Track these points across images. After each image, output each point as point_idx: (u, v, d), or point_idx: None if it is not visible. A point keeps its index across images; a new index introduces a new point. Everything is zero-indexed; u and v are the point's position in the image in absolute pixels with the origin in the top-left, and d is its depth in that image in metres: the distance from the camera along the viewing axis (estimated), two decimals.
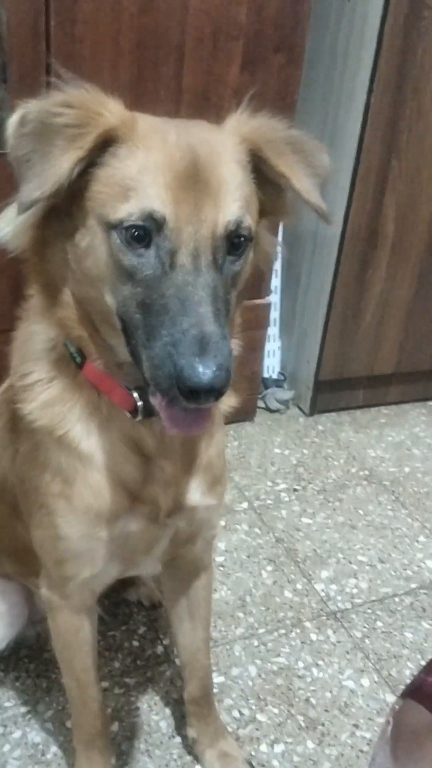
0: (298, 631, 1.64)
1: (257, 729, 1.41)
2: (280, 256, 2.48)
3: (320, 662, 1.56)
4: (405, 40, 2.01)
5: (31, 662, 1.50)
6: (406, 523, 2.05)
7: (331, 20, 2.17)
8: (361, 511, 2.08)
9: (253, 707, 1.45)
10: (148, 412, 0.89)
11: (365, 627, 1.67)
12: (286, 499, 2.11)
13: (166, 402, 0.77)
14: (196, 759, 1.33)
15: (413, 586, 1.81)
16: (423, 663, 1.55)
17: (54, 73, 0.82)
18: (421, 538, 1.98)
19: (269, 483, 2.18)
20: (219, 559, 1.83)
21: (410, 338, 2.54)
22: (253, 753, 1.36)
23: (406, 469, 2.31)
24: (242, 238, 0.81)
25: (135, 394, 0.90)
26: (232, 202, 0.79)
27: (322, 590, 1.77)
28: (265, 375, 2.63)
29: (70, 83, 0.80)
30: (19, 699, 1.43)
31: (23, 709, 1.41)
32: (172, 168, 0.77)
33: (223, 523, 1.96)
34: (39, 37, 1.63)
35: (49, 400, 0.93)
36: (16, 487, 1.08)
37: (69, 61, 1.65)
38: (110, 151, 0.79)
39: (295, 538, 1.94)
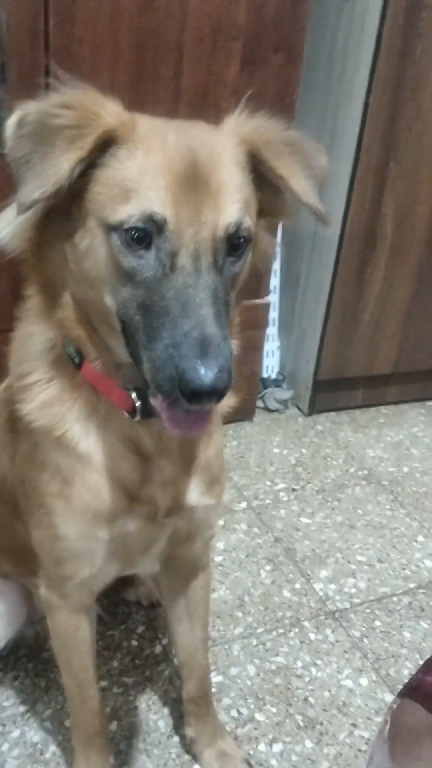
0: (296, 630, 1.64)
1: (255, 728, 1.41)
2: (279, 256, 2.50)
3: (319, 662, 1.57)
4: (403, 41, 2.01)
5: (29, 661, 1.50)
6: (404, 522, 2.05)
7: (330, 20, 2.17)
8: (359, 511, 2.08)
9: (252, 706, 1.45)
10: (147, 412, 0.89)
11: (364, 626, 1.67)
12: (285, 498, 2.11)
13: (168, 403, 0.77)
14: (195, 758, 1.34)
15: (411, 585, 1.81)
16: (421, 662, 1.56)
17: (52, 74, 0.82)
18: (420, 538, 1.99)
19: (268, 483, 2.18)
20: (218, 558, 1.84)
21: (409, 338, 2.55)
22: (251, 752, 1.36)
23: (405, 469, 2.31)
24: (242, 240, 0.81)
25: (133, 395, 0.90)
26: (232, 203, 0.80)
27: (321, 590, 1.77)
28: (264, 375, 2.63)
29: (68, 84, 0.80)
30: (17, 698, 1.43)
31: (22, 708, 1.41)
32: (172, 170, 0.77)
33: (221, 522, 1.97)
34: (38, 37, 1.63)
35: (47, 400, 0.93)
36: (16, 487, 1.08)
37: (68, 62, 1.66)
38: (110, 153, 0.79)
39: (294, 537, 1.95)
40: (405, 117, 2.12)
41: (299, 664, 1.56)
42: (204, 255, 0.77)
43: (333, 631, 1.65)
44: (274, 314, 2.59)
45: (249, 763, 1.33)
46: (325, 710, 1.46)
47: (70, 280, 0.85)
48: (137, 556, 1.06)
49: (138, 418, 0.91)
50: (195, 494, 1.02)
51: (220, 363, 0.72)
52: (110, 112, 0.79)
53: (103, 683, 1.46)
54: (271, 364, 2.67)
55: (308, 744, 1.39)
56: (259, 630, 1.64)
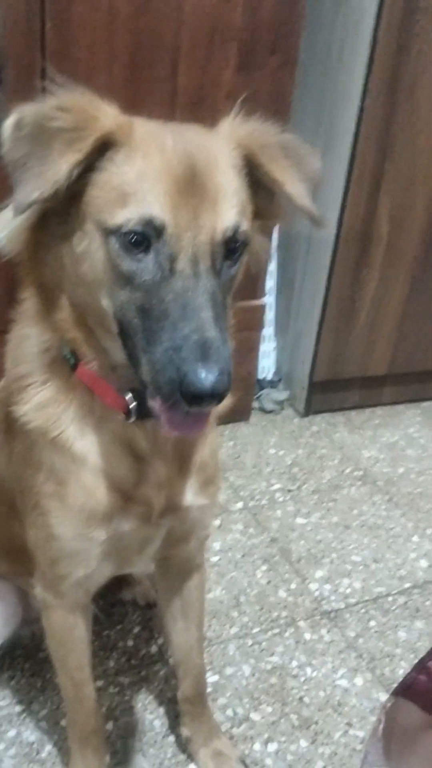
0: (292, 630, 1.65)
1: (251, 728, 1.42)
2: (275, 257, 2.51)
3: (314, 661, 1.57)
4: (399, 43, 2.02)
5: (26, 661, 1.51)
6: (399, 523, 2.06)
7: (325, 23, 2.18)
8: (355, 512, 2.09)
9: (247, 706, 1.46)
10: (141, 413, 0.90)
11: (359, 626, 1.68)
12: (281, 499, 2.12)
13: (167, 406, 0.78)
14: (190, 758, 1.34)
15: (407, 585, 1.82)
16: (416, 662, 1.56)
17: (49, 77, 0.82)
18: (415, 538, 2.00)
19: (264, 483, 2.19)
20: (214, 558, 1.84)
21: (404, 339, 2.56)
22: (246, 752, 1.37)
23: (400, 470, 2.32)
24: (239, 243, 0.82)
25: (128, 396, 0.90)
26: (230, 208, 0.80)
27: (316, 590, 1.78)
28: (260, 376, 2.64)
29: (64, 87, 0.81)
30: (13, 698, 1.43)
31: (18, 708, 1.41)
32: (170, 174, 0.78)
33: (217, 522, 1.97)
34: (34, 39, 1.63)
35: (43, 401, 0.94)
36: (12, 487, 1.08)
37: (64, 63, 1.66)
38: (107, 156, 0.79)
39: (290, 538, 1.95)
40: (400, 118, 2.12)
41: (294, 663, 1.56)
42: (202, 259, 0.78)
43: (328, 631, 1.65)
44: (270, 315, 2.59)
45: (244, 763, 1.33)
46: (320, 710, 1.46)
47: (66, 282, 0.86)
48: (132, 556, 1.07)
49: (133, 419, 0.91)
50: (190, 494, 1.03)
51: (220, 366, 0.73)
52: (107, 115, 0.80)
53: (99, 683, 1.46)
54: (267, 365, 2.67)
55: (303, 743, 1.39)
56: (255, 630, 1.64)
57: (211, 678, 1.50)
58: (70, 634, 1.11)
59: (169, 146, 0.80)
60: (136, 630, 1.61)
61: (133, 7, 1.68)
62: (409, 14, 1.99)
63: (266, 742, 1.39)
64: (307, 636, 1.64)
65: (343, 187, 2.18)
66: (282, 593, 1.76)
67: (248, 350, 2.34)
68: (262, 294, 2.32)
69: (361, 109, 2.08)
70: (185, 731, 1.34)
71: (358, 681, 1.53)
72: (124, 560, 1.07)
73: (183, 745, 1.36)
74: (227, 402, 1.03)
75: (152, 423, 0.92)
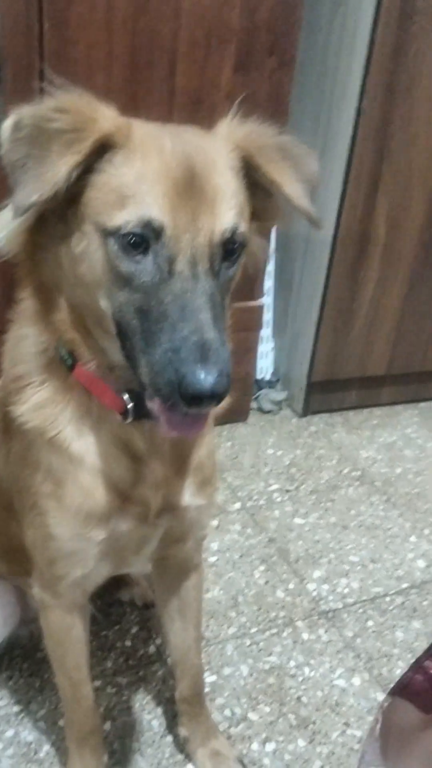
0: (289, 630, 1.65)
1: (249, 728, 1.42)
2: (273, 258, 2.51)
3: (312, 661, 1.57)
4: (396, 44, 2.02)
5: (24, 661, 1.51)
6: (397, 523, 2.06)
7: (323, 24, 2.18)
8: (353, 512, 2.09)
9: (245, 706, 1.46)
10: (139, 414, 0.90)
11: (356, 626, 1.68)
12: (279, 499, 2.12)
13: (166, 407, 0.78)
14: (188, 757, 1.34)
15: (404, 585, 1.82)
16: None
17: (47, 78, 0.82)
18: (412, 539, 2.00)
19: (262, 483, 2.19)
20: (211, 559, 1.84)
21: (402, 340, 2.56)
22: (244, 751, 1.37)
23: (398, 470, 2.32)
24: (237, 245, 0.83)
25: (125, 397, 0.90)
26: (228, 209, 0.81)
27: (314, 590, 1.78)
28: (258, 376, 2.64)
29: (62, 88, 0.81)
30: (12, 698, 1.44)
31: (16, 708, 1.42)
32: (169, 176, 0.78)
33: (216, 523, 1.97)
34: (32, 39, 1.63)
35: (40, 402, 0.94)
36: (9, 487, 1.09)
37: (62, 64, 1.67)
38: (105, 158, 0.80)
39: (288, 538, 1.96)
40: (398, 119, 2.13)
41: (292, 663, 1.57)
42: (201, 260, 0.78)
43: (326, 631, 1.66)
44: (268, 316, 2.60)
45: (242, 762, 1.34)
46: (317, 709, 1.47)
47: (64, 283, 0.86)
48: (129, 556, 1.07)
49: (130, 419, 0.91)
50: (187, 495, 1.03)
51: (219, 367, 0.73)
52: (106, 116, 0.80)
53: (97, 683, 1.46)
54: (265, 365, 2.68)
55: (301, 743, 1.40)
56: (253, 630, 1.64)
57: (209, 678, 1.50)
58: (67, 634, 1.11)
59: (168, 148, 0.80)
60: (134, 630, 1.61)
61: (131, 7, 1.69)
62: (407, 15, 2.00)
63: (264, 742, 1.39)
64: (305, 636, 1.64)
65: (341, 187, 2.18)
66: (280, 593, 1.76)
67: (246, 351, 2.34)
68: (261, 294, 2.32)
69: (359, 110, 2.09)
70: (183, 731, 1.34)
71: (356, 681, 1.54)
72: (122, 560, 1.07)
73: (181, 745, 1.36)
74: (225, 402, 1.04)
75: (149, 423, 0.92)
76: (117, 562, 1.06)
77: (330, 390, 2.60)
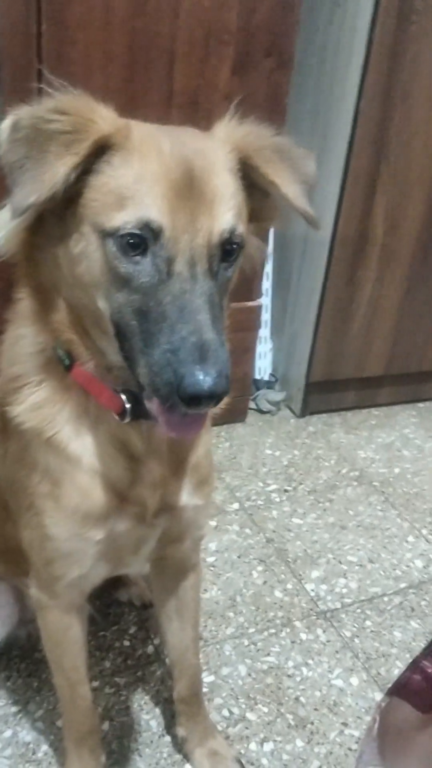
0: (288, 630, 1.65)
1: (247, 728, 1.42)
2: (271, 258, 2.51)
3: (310, 661, 1.58)
4: (394, 45, 2.02)
5: (22, 662, 1.51)
6: (395, 523, 2.06)
7: (321, 25, 2.18)
8: (351, 512, 2.10)
9: (243, 706, 1.46)
10: (136, 414, 0.90)
11: (355, 626, 1.68)
12: (277, 499, 2.12)
13: (165, 407, 0.79)
14: (186, 758, 1.34)
15: (402, 585, 1.82)
16: None
17: (45, 79, 0.83)
18: (411, 539, 2.00)
19: (260, 484, 2.19)
20: (210, 559, 1.84)
21: (400, 340, 2.56)
22: (242, 751, 1.37)
23: (396, 470, 2.33)
24: (235, 246, 0.83)
25: (123, 397, 0.91)
26: (226, 210, 0.81)
27: (312, 590, 1.78)
28: (257, 376, 2.64)
29: (61, 89, 0.81)
30: (9, 698, 1.44)
31: (14, 709, 1.42)
32: (167, 177, 0.78)
33: (214, 523, 1.98)
34: (30, 40, 1.64)
35: (37, 402, 0.94)
36: (6, 487, 1.09)
37: (60, 65, 1.67)
38: (104, 159, 0.80)
39: (286, 538, 1.96)
40: (395, 120, 2.13)
41: (290, 663, 1.57)
42: (199, 261, 0.79)
43: (324, 631, 1.66)
44: (266, 316, 2.60)
45: (240, 762, 1.34)
46: (316, 709, 1.47)
47: (62, 283, 0.86)
48: (127, 556, 1.07)
49: (128, 420, 0.91)
50: (184, 495, 1.03)
51: (218, 368, 0.73)
52: (104, 118, 0.80)
53: (96, 683, 1.47)
54: (263, 365, 2.68)
55: (299, 743, 1.40)
56: (251, 630, 1.65)
57: (207, 678, 1.50)
58: (65, 635, 1.11)
59: (167, 149, 0.80)
60: (132, 630, 1.62)
61: (129, 8, 1.69)
62: (405, 16, 2.00)
63: (262, 742, 1.39)
64: (303, 636, 1.64)
65: (339, 188, 2.18)
66: (278, 593, 1.76)
67: (244, 351, 2.35)
68: (259, 295, 2.33)
69: (357, 111, 2.09)
70: (181, 731, 1.34)
71: (354, 681, 1.54)
72: (119, 561, 1.07)
73: (179, 745, 1.36)
74: (223, 403, 1.04)
75: (147, 423, 0.93)
76: (114, 563, 1.06)
77: (328, 390, 2.60)
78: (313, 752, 1.38)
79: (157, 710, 1.44)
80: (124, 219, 0.77)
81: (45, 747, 1.35)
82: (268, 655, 1.58)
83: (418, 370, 2.69)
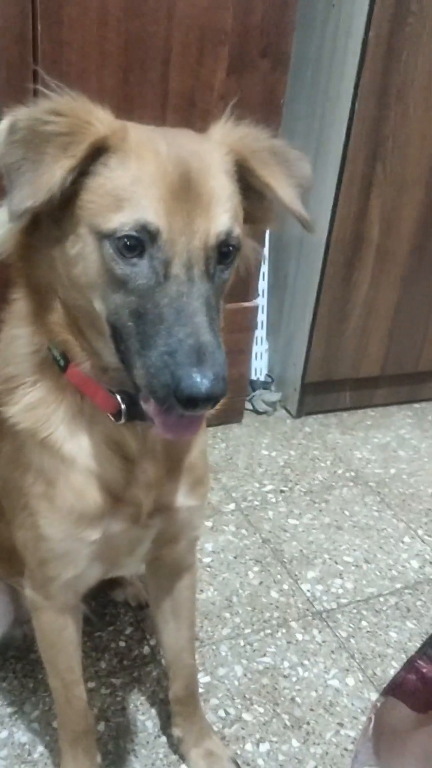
0: (284, 631, 1.65)
1: (243, 728, 1.42)
2: (267, 259, 2.52)
3: (306, 662, 1.58)
4: (389, 46, 2.03)
5: (17, 663, 1.51)
6: (391, 524, 2.07)
7: (316, 26, 2.19)
8: (347, 512, 2.10)
9: (239, 706, 1.46)
10: (131, 415, 0.90)
11: (350, 627, 1.68)
12: (273, 500, 2.12)
13: (162, 409, 0.79)
14: (182, 758, 1.34)
15: (398, 586, 1.83)
16: None
17: (40, 80, 0.82)
18: (406, 539, 2.00)
19: (256, 484, 2.19)
20: (206, 559, 1.85)
21: (396, 341, 2.57)
22: (238, 752, 1.37)
23: (392, 471, 2.33)
24: (231, 248, 0.83)
25: (118, 398, 0.91)
26: (223, 213, 0.81)
27: (308, 590, 1.78)
28: (253, 377, 2.65)
29: (56, 90, 0.81)
30: (5, 699, 1.43)
31: (10, 710, 1.41)
32: (164, 180, 0.78)
33: (210, 524, 1.98)
34: (26, 41, 1.63)
35: (32, 402, 0.94)
36: (0, 488, 1.09)
37: (55, 66, 1.67)
38: (100, 161, 0.80)
39: (282, 538, 1.96)
40: (391, 121, 2.14)
41: (286, 664, 1.57)
42: (196, 264, 0.79)
43: (320, 632, 1.66)
44: (262, 317, 2.60)
45: (236, 763, 1.34)
46: (311, 710, 1.47)
47: (58, 284, 0.86)
48: (122, 557, 1.07)
49: (123, 420, 0.91)
50: (179, 495, 1.03)
51: (215, 370, 0.73)
52: (101, 119, 0.80)
53: (91, 684, 1.47)
54: (259, 366, 2.68)
55: (295, 743, 1.40)
56: (247, 630, 1.65)
57: (203, 678, 1.50)
58: (59, 636, 1.11)
59: (163, 151, 0.80)
60: (128, 631, 1.62)
61: (124, 9, 1.69)
62: (400, 18, 2.00)
63: (258, 743, 1.40)
64: (299, 636, 1.64)
65: (335, 189, 2.19)
66: (274, 594, 1.76)
67: (240, 351, 2.35)
68: (255, 295, 2.33)
69: (352, 112, 2.09)
70: (177, 732, 1.34)
71: (350, 681, 1.54)
72: (114, 561, 1.07)
73: (175, 746, 1.36)
74: (219, 403, 1.04)
75: (142, 424, 0.93)
76: (109, 564, 1.06)
77: (324, 391, 2.60)
78: (308, 752, 1.38)
79: (153, 711, 1.44)
80: (121, 221, 0.77)
81: (41, 748, 1.35)
82: (264, 655, 1.58)
83: (414, 370, 2.69)
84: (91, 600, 1.55)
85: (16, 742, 1.35)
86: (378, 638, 1.65)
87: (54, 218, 0.82)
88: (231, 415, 2.50)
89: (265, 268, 2.53)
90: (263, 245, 2.38)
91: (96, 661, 1.53)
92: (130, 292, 0.79)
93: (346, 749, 1.39)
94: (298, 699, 1.49)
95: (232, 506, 2.07)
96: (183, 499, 1.04)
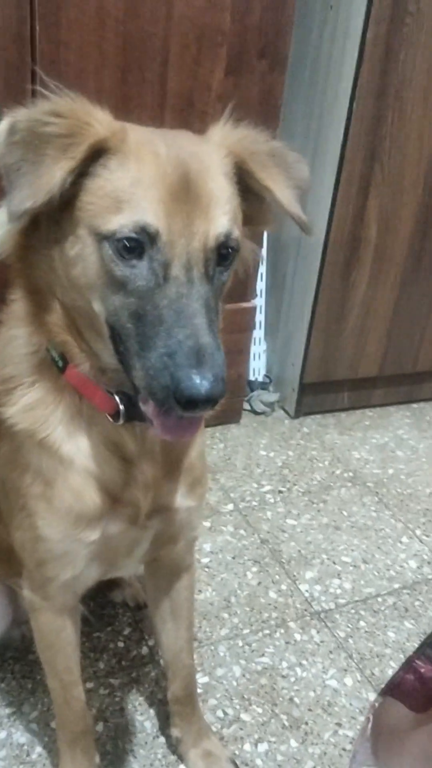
0: (282, 631, 1.66)
1: (241, 728, 1.42)
2: (265, 259, 2.52)
3: (304, 662, 1.58)
4: (387, 47, 2.03)
5: (16, 663, 1.51)
6: (389, 524, 2.07)
7: (314, 27, 2.19)
8: (345, 513, 2.10)
9: (237, 707, 1.46)
10: (130, 416, 0.90)
11: (349, 627, 1.68)
12: (272, 500, 2.13)
13: (161, 411, 0.79)
14: (180, 759, 1.35)
15: (396, 586, 1.83)
16: None
17: (39, 81, 0.82)
18: (404, 539, 2.01)
19: (255, 485, 2.19)
20: (204, 560, 1.85)
21: (394, 341, 2.57)
22: (237, 752, 1.37)
23: (390, 471, 2.33)
24: (230, 250, 0.83)
25: (117, 398, 0.91)
26: (222, 215, 0.81)
27: (307, 591, 1.78)
28: (251, 377, 2.65)
29: (55, 91, 0.81)
30: (3, 700, 1.43)
31: (8, 710, 1.41)
32: (164, 182, 0.78)
33: (208, 524, 1.98)
34: (24, 42, 1.63)
35: (30, 403, 0.94)
36: None
37: (54, 66, 1.67)
38: (100, 162, 0.80)
39: (280, 539, 1.96)
40: (389, 122, 2.14)
41: (285, 664, 1.57)
42: (196, 265, 0.79)
43: (318, 632, 1.66)
44: (260, 317, 2.61)
45: (234, 763, 1.34)
46: (310, 710, 1.47)
47: (57, 285, 0.86)
48: (120, 558, 1.07)
49: (121, 421, 0.91)
50: (177, 496, 1.03)
51: (215, 372, 0.74)
52: (101, 121, 0.80)
53: (90, 684, 1.47)
54: (257, 366, 2.68)
55: (293, 743, 1.40)
56: (245, 631, 1.65)
57: (202, 679, 1.50)
58: (58, 637, 1.11)
59: (163, 153, 0.80)
60: (127, 631, 1.62)
61: (122, 10, 1.69)
62: (397, 18, 2.01)
63: (256, 743, 1.40)
64: (297, 637, 1.64)
65: (333, 189, 2.19)
66: (272, 594, 1.76)
67: (239, 352, 2.35)
68: (253, 296, 2.33)
69: (350, 113, 2.10)
70: (175, 732, 1.34)
71: (348, 681, 1.54)
72: (112, 562, 1.07)
73: (173, 746, 1.36)
74: (218, 404, 1.04)
75: (140, 425, 0.93)
76: (107, 564, 1.06)
77: (322, 391, 2.60)
78: (307, 753, 1.38)
79: (152, 711, 1.44)
80: (121, 222, 0.77)
81: (39, 749, 1.35)
82: (263, 655, 1.59)
83: (412, 370, 2.70)
84: (89, 600, 1.54)
85: (15, 743, 1.35)
86: (376, 638, 1.66)
87: (53, 219, 0.82)
88: (229, 416, 2.50)
89: (263, 269, 2.54)
90: (261, 246, 2.38)
91: (94, 661, 1.53)
92: (129, 294, 0.79)
93: (344, 749, 1.39)
94: (296, 699, 1.49)
95: (230, 507, 2.08)
96: (181, 499, 1.04)
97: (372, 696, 1.50)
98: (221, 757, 1.33)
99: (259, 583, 1.79)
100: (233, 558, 1.87)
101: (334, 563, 1.89)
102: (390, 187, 2.24)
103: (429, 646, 1.13)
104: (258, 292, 2.49)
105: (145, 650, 1.57)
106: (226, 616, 1.68)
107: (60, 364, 0.92)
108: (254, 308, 2.34)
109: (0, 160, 0.77)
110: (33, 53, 1.65)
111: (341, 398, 2.67)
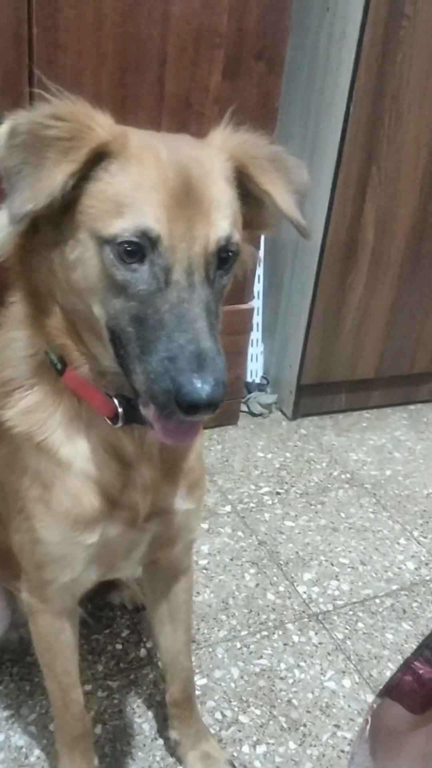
0: (280, 633, 1.66)
1: (239, 730, 1.42)
2: (263, 261, 2.52)
3: (302, 663, 1.58)
4: (384, 49, 2.04)
5: (14, 666, 1.50)
6: (387, 525, 2.07)
7: (311, 29, 2.19)
8: (342, 514, 2.10)
9: (236, 709, 1.46)
10: (128, 418, 0.90)
11: (347, 628, 1.68)
12: (269, 502, 2.13)
13: (161, 415, 0.79)
14: (179, 761, 1.34)
15: (394, 587, 1.83)
16: None
17: (37, 83, 0.82)
18: (402, 541, 2.01)
19: (252, 486, 2.20)
20: (202, 562, 1.85)
21: (391, 343, 2.57)
22: (235, 754, 1.37)
23: (388, 472, 2.33)
24: (231, 254, 0.83)
25: (115, 401, 0.91)
26: (223, 219, 0.81)
27: (304, 592, 1.78)
28: (248, 379, 2.65)
29: (55, 94, 0.81)
30: (2, 703, 1.43)
31: (6, 713, 1.41)
32: (165, 186, 0.78)
33: (206, 526, 1.98)
34: (22, 44, 1.64)
35: (29, 406, 0.94)
36: None
37: (51, 68, 1.67)
38: (101, 166, 0.80)
39: (278, 540, 1.96)
40: (386, 124, 2.14)
41: (283, 666, 1.57)
42: (197, 270, 0.79)
43: (316, 633, 1.66)
44: (257, 319, 2.61)
45: (233, 765, 1.34)
46: (308, 712, 1.47)
47: (56, 288, 0.86)
48: (118, 560, 1.07)
49: (120, 424, 0.91)
50: (175, 499, 1.03)
51: (216, 376, 0.74)
52: (102, 124, 0.80)
53: (88, 687, 1.46)
54: (254, 368, 2.69)
55: (291, 745, 1.40)
56: (243, 633, 1.65)
57: (200, 681, 1.50)
58: (56, 639, 1.11)
59: (164, 157, 0.80)
60: (125, 633, 1.61)
61: (119, 13, 1.69)
62: (394, 21, 2.01)
63: (255, 745, 1.40)
64: (296, 638, 1.64)
65: (330, 192, 2.19)
66: (270, 596, 1.76)
67: (236, 354, 2.35)
68: (251, 298, 2.33)
69: (347, 115, 2.10)
70: (174, 734, 1.34)
71: (346, 683, 1.54)
72: (111, 565, 1.07)
73: (171, 749, 1.36)
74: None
75: (139, 428, 0.93)
76: (106, 567, 1.06)
77: (319, 393, 2.61)
78: (305, 754, 1.38)
79: (150, 713, 1.44)
80: (122, 227, 0.77)
81: (37, 751, 1.34)
82: (261, 657, 1.59)
83: (409, 372, 2.70)
84: (87, 603, 1.54)
85: (13, 746, 1.35)
86: (374, 640, 1.66)
87: (54, 222, 0.82)
88: (227, 418, 2.50)
89: (260, 271, 2.54)
90: (258, 248, 2.38)
91: (93, 664, 1.53)
92: (130, 298, 0.79)
93: (342, 751, 1.39)
94: (294, 701, 1.49)
95: (228, 508, 2.08)
96: (180, 502, 1.04)
97: (370, 697, 1.50)
98: (220, 759, 1.33)
99: (257, 585, 1.79)
100: (231, 560, 1.87)
101: (332, 565, 1.89)
102: (387, 190, 2.25)
103: (427, 647, 1.13)
104: (255, 294, 2.50)
105: (143, 652, 1.57)
106: (224, 617, 1.68)
107: (59, 366, 0.92)
108: (252, 310, 2.34)
109: (1, 162, 0.77)
110: (31, 55, 1.65)
111: (338, 400, 2.67)
